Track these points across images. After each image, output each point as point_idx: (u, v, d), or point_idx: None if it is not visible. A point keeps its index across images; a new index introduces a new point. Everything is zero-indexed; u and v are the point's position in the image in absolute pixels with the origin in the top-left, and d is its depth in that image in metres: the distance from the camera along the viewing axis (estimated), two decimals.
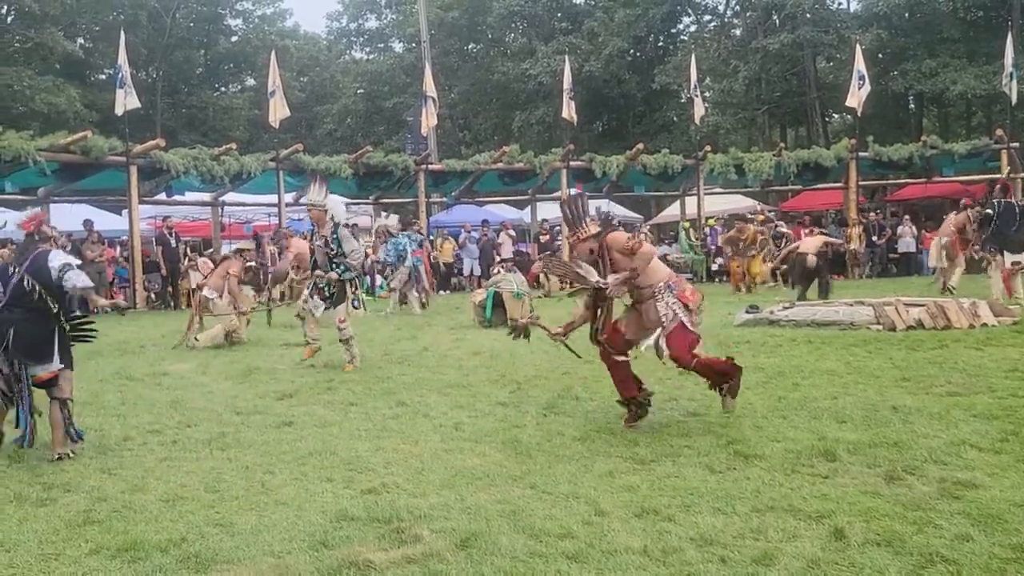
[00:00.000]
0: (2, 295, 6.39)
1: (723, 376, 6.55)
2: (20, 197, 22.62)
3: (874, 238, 24.98)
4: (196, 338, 12.71)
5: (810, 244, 16.71)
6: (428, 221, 25.69)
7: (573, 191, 6.92)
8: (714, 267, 25.51)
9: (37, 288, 6.30)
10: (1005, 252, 13.82)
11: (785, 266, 17.91)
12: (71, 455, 6.25)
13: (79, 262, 6.76)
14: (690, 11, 43.89)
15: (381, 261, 19.88)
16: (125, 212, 22.65)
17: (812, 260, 16.14)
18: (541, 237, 25.95)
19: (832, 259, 16.30)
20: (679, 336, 6.41)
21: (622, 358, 6.80)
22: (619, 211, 32.45)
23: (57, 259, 6.46)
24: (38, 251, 6.54)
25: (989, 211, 14.13)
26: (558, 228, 26.10)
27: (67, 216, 23.15)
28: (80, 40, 41.81)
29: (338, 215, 10.23)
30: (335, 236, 10.04)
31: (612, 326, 6.78)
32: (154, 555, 4.28)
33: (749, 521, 4.50)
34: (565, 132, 29.64)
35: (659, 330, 6.48)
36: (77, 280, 6.40)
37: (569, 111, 26.71)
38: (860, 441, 5.90)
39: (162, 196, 23.64)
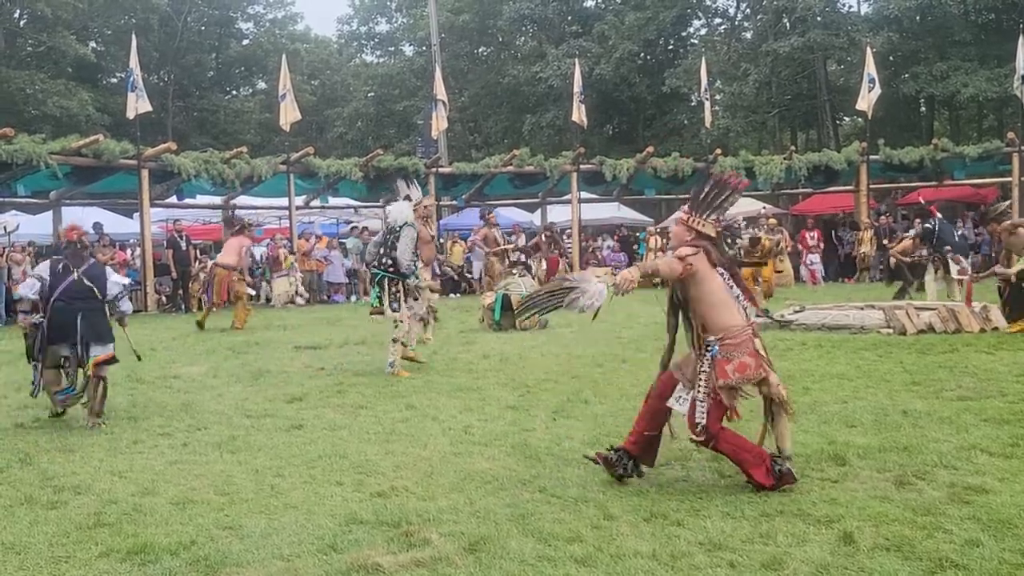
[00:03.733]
0: (44, 292, 7.64)
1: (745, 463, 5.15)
2: (32, 200, 22.74)
3: (885, 241, 24.90)
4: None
5: (901, 245, 16.98)
6: (438, 224, 25.70)
7: (728, 175, 5.35)
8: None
9: (95, 289, 7.70)
10: (950, 262, 14.61)
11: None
12: (103, 425, 7.38)
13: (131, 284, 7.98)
14: (700, 14, 43.87)
15: None
16: (136, 215, 22.71)
17: (893, 260, 16.70)
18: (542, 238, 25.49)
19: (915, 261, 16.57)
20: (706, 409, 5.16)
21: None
22: (630, 214, 32.48)
23: (117, 282, 8.06)
24: (92, 261, 8.05)
25: (928, 226, 15.05)
26: (568, 230, 26.15)
27: (78, 219, 23.11)
28: (92, 44, 42.01)
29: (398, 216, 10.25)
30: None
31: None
32: (164, 558, 4.29)
33: (758, 525, 4.49)
34: (575, 135, 29.60)
35: (690, 392, 5.27)
36: (127, 308, 8.16)
37: (579, 114, 26.69)
38: (870, 445, 5.89)
39: (173, 199, 23.73)
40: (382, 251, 10.12)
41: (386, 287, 10.01)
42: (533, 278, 18.76)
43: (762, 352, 5.23)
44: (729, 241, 5.52)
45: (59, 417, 7.82)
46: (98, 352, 7.61)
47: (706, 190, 5.40)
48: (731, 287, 5.30)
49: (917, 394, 7.66)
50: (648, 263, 5.41)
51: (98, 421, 7.46)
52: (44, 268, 7.87)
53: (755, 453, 5.15)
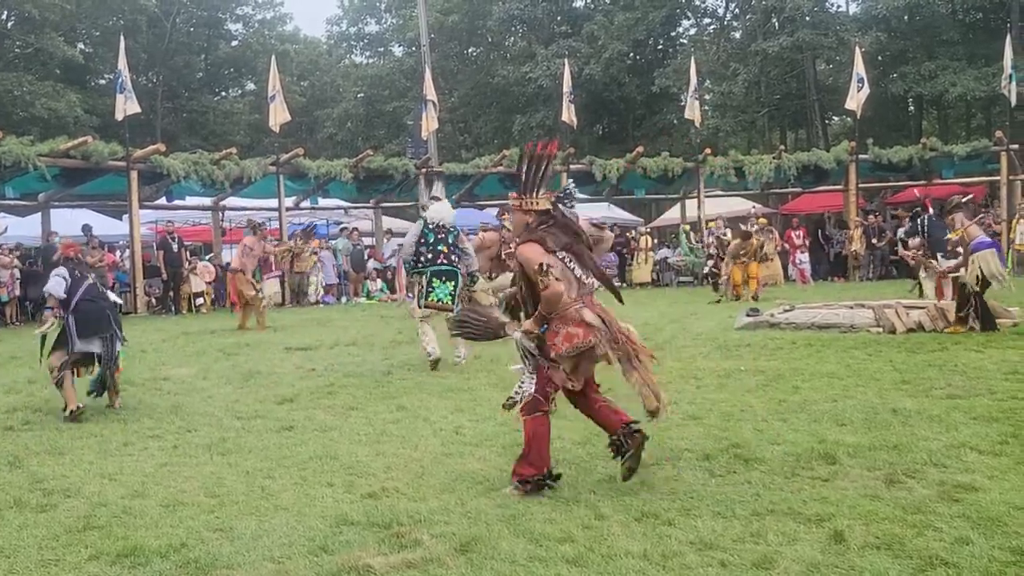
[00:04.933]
0: (61, 292, 8.08)
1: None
2: (21, 202, 22.66)
3: (874, 240, 24.99)
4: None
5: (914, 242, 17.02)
6: None
7: (536, 146, 5.39)
8: (704, 270, 25.37)
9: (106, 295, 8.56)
10: (939, 257, 14.33)
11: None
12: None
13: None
14: (689, 14, 43.95)
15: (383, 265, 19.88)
16: (125, 217, 22.66)
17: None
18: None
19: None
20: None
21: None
22: (620, 214, 32.49)
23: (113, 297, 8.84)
24: (94, 278, 8.67)
25: (918, 220, 14.76)
26: None
27: (67, 221, 23.17)
28: (80, 45, 41.82)
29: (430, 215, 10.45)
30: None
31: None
32: (154, 560, 4.28)
33: (749, 525, 4.50)
34: (565, 135, 29.65)
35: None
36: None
37: (569, 114, 26.73)
38: (860, 444, 5.90)
39: (162, 201, 23.67)
40: (444, 249, 10.20)
41: (459, 284, 10.24)
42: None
43: (594, 322, 5.18)
44: (566, 203, 5.45)
45: (77, 418, 7.75)
46: (119, 347, 8.28)
47: (525, 170, 5.36)
48: (572, 268, 5.30)
49: (907, 392, 7.68)
50: (537, 315, 5.23)
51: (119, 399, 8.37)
52: (64, 272, 8.29)
53: (541, 456, 5.18)
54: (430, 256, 10.11)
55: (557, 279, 5.11)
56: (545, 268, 5.08)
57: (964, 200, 12.69)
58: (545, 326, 5.19)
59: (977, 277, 11.11)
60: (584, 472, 5.56)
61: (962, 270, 11.46)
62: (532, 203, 5.34)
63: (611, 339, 5.20)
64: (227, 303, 17.15)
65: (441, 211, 10.40)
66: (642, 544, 4.27)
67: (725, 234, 22.51)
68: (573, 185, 6.16)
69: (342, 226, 26.67)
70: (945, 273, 12.55)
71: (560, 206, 5.40)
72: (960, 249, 11.66)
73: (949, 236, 12.37)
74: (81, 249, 9.23)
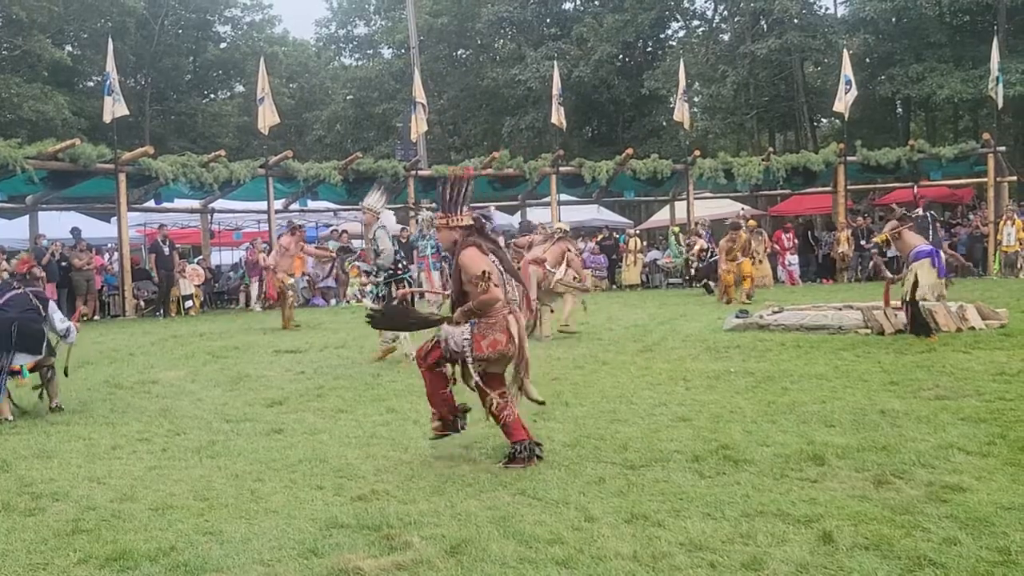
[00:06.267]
0: None
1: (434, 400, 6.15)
2: (8, 205, 22.59)
3: (862, 242, 25.07)
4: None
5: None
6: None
7: (460, 171, 6.54)
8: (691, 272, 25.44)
9: (39, 308, 8.46)
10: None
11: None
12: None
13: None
14: (678, 16, 44.03)
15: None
16: (114, 220, 22.59)
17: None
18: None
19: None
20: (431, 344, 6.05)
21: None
22: (610, 216, 32.53)
23: (61, 320, 8.67)
24: (38, 288, 8.85)
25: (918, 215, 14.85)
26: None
27: (55, 224, 23.10)
28: (68, 47, 41.66)
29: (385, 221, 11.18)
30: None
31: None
32: (143, 564, 4.27)
33: (738, 526, 4.51)
34: (554, 137, 29.70)
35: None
36: (72, 339, 8.77)
37: (558, 116, 26.75)
38: (849, 445, 5.92)
39: (151, 203, 23.61)
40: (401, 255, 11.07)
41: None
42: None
43: (515, 334, 5.90)
44: (484, 222, 6.15)
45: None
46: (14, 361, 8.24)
47: (448, 191, 6.06)
48: (501, 272, 5.97)
49: (895, 394, 7.71)
50: (469, 305, 5.88)
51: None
52: None
53: (446, 400, 6.12)
54: (404, 263, 10.80)
55: (496, 285, 5.80)
56: (486, 275, 5.72)
57: (907, 213, 12.69)
58: (474, 323, 5.85)
59: (913, 285, 11.16)
60: (573, 474, 5.57)
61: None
62: (458, 220, 6.03)
63: (519, 349, 5.94)
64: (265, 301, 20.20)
65: (391, 217, 11.35)
66: (632, 545, 4.28)
67: (702, 234, 22.68)
68: (493, 208, 7.18)
69: (331, 228, 26.63)
70: (892, 281, 12.60)
71: (483, 220, 6.14)
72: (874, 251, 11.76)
73: (875, 239, 12.60)
74: (34, 265, 9.48)
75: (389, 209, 11.75)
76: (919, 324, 11.06)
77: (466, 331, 5.85)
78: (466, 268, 5.83)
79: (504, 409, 5.94)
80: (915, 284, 11.12)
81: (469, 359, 5.84)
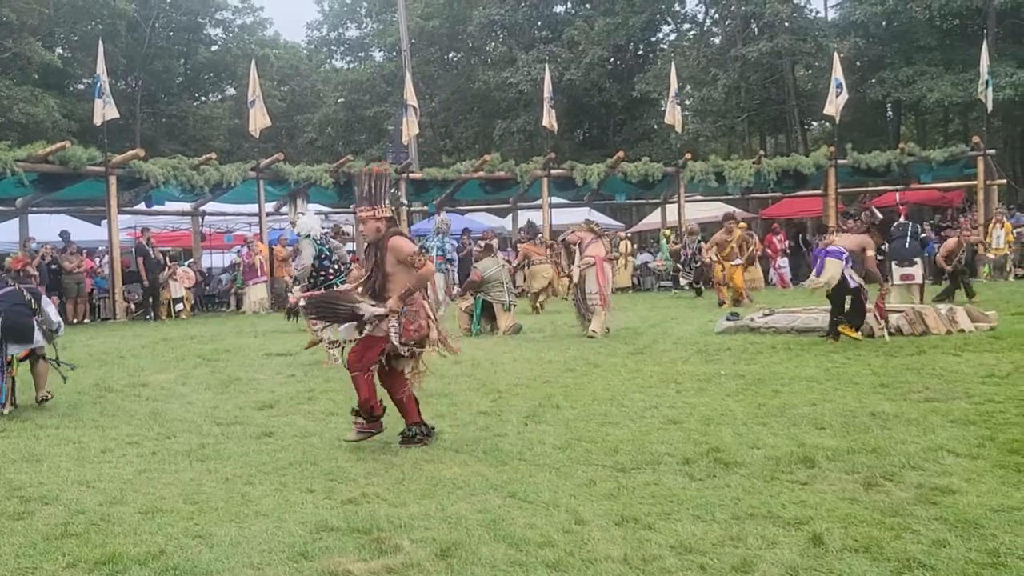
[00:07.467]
0: None
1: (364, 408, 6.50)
2: None
3: None
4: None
5: (946, 248, 17.20)
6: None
7: (377, 167, 6.71)
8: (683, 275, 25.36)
9: (32, 303, 8.66)
10: (894, 264, 15.02)
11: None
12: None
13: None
14: (669, 20, 44.10)
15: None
16: (104, 222, 22.54)
17: (940, 261, 17.22)
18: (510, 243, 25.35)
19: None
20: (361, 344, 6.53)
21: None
22: (600, 219, 32.54)
23: (54, 314, 8.96)
24: (33, 285, 9.22)
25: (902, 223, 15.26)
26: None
27: (46, 227, 23.04)
28: (58, 50, 41.60)
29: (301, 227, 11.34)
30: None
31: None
32: (133, 568, 4.25)
33: (729, 528, 4.51)
34: (546, 140, 29.68)
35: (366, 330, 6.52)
36: (61, 333, 9.05)
37: (550, 119, 26.77)
38: (839, 447, 5.93)
39: (142, 206, 23.56)
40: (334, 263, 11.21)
41: None
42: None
43: (431, 315, 6.61)
44: (397, 212, 6.76)
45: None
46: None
47: (368, 187, 6.51)
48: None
49: (885, 396, 7.72)
50: (409, 287, 6.35)
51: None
52: None
53: (369, 398, 6.44)
54: (333, 270, 10.82)
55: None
56: (421, 250, 6.38)
57: (875, 222, 12.76)
58: (405, 309, 6.32)
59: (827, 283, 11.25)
60: (564, 477, 5.57)
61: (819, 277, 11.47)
62: (383, 212, 6.48)
63: (436, 323, 6.69)
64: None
65: (313, 224, 11.32)
66: (622, 548, 4.28)
67: (696, 233, 22.70)
68: (401, 194, 7.70)
69: (323, 231, 26.55)
70: (884, 287, 12.60)
71: (397, 210, 6.84)
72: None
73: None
74: (28, 263, 9.59)
75: (304, 214, 11.95)
76: (833, 325, 11.39)
77: (393, 320, 6.31)
78: (400, 249, 6.32)
79: (406, 388, 6.58)
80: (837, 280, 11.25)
81: (400, 345, 6.36)
